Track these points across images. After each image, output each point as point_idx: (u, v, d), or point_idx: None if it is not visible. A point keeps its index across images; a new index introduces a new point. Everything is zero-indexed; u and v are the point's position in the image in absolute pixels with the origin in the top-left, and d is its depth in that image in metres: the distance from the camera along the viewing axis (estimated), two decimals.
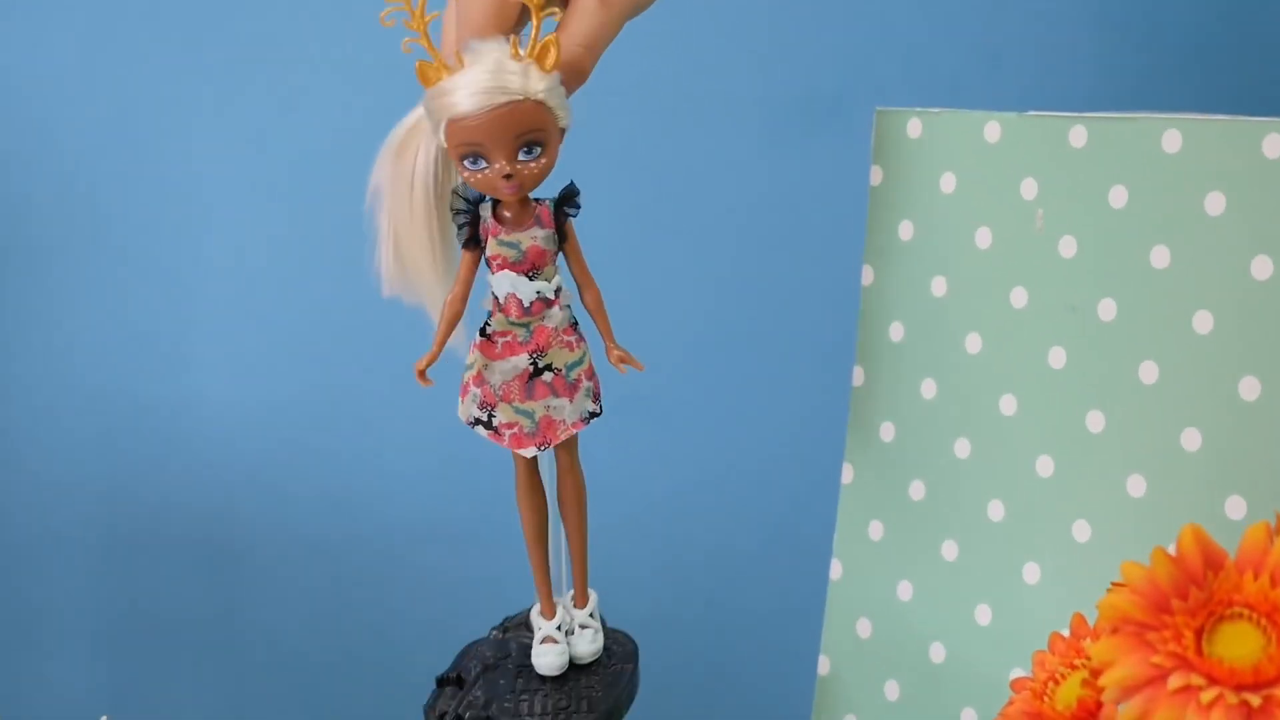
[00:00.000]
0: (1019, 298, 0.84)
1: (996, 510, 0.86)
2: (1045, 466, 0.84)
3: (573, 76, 0.72)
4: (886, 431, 0.90)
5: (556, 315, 0.74)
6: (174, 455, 1.33)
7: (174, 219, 1.29)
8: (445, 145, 0.71)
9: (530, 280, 0.73)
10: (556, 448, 0.77)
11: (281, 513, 1.34)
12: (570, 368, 0.75)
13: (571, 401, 0.76)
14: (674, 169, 1.29)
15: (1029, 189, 0.83)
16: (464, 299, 0.75)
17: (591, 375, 0.76)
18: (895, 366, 0.89)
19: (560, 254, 0.75)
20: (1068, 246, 0.82)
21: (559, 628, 0.80)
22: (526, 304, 0.73)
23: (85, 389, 1.32)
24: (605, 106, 1.24)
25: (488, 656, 0.81)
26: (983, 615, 0.86)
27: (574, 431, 0.76)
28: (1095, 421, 0.82)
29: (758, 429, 1.31)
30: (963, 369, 0.87)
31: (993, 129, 0.84)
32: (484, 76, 0.68)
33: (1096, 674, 0.65)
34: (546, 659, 0.79)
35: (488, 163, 0.70)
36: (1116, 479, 0.81)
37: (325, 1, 1.25)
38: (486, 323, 0.75)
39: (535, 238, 0.73)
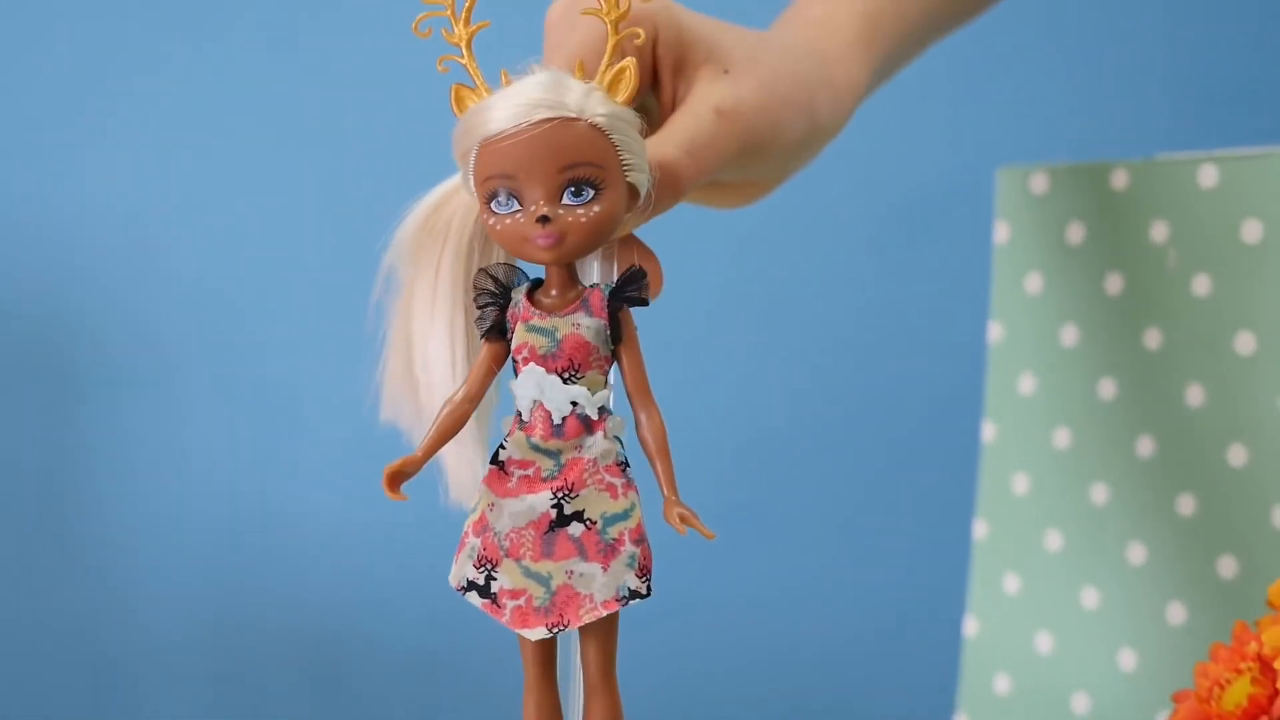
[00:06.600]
0: (1153, 339, 0.85)
1: (1138, 553, 0.85)
2: (1186, 505, 0.84)
3: (665, 183, 0.57)
4: (1020, 484, 0.90)
5: (599, 444, 0.55)
6: (282, 569, 1.33)
7: (287, 338, 1.32)
8: (474, 190, 0.54)
9: (564, 384, 0.54)
10: (583, 643, 0.56)
11: (388, 627, 1.33)
12: (609, 522, 0.55)
13: (605, 570, 0.55)
14: (776, 276, 1.31)
15: (1159, 232, 0.84)
16: (471, 401, 0.56)
17: (640, 540, 0.55)
18: (1027, 419, 0.90)
19: (614, 364, 0.56)
20: (1201, 285, 0.83)
21: None
22: (558, 420, 0.54)
23: (200, 503, 1.33)
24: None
25: None
26: (1126, 661, 0.85)
27: (602, 614, 0.55)
28: (1237, 456, 0.82)
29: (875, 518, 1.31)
30: (1098, 414, 0.87)
31: (1119, 176, 0.86)
32: (532, 88, 0.53)
33: (1267, 665, 0.64)
34: None
35: (520, 203, 0.53)
36: (1260, 513, 0.81)
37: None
38: (501, 446, 0.55)
39: (578, 326, 0.55)
